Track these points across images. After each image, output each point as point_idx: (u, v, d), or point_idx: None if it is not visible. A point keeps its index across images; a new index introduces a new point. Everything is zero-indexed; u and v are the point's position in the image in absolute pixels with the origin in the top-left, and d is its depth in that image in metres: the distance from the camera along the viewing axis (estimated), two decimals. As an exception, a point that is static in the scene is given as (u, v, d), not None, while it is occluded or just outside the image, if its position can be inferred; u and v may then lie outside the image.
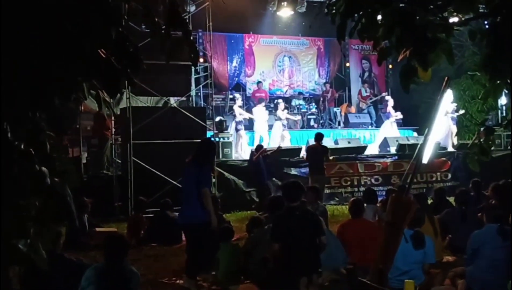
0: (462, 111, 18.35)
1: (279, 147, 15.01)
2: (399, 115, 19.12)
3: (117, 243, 5.14)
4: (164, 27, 3.07)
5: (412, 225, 6.18)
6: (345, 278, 6.01)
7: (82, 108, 13.23)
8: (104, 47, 2.65)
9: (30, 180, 2.58)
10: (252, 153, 13.88)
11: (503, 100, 17.46)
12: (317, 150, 13.03)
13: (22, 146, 2.62)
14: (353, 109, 21.00)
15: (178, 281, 7.41)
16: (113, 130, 14.31)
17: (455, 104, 17.83)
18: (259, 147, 13.79)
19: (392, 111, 19.08)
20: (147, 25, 3.09)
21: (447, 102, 17.20)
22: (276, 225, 6.39)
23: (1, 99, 2.45)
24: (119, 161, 14.05)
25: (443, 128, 17.30)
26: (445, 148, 17.01)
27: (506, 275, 6.16)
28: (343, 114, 20.32)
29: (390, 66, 22.30)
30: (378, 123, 20.08)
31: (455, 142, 17.22)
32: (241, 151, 16.27)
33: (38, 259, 2.52)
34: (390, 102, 19.25)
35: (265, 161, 13.39)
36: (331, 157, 13.30)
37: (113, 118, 14.10)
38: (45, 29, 2.50)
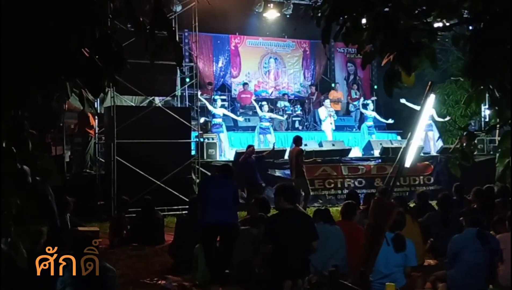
0: (447, 118, 18.42)
1: (274, 146, 15.01)
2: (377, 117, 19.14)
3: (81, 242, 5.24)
4: (148, 27, 3.07)
5: (393, 228, 6.20)
6: (327, 280, 6.01)
7: (66, 106, 13.13)
8: (88, 46, 2.64)
9: (11, 178, 2.56)
10: (240, 154, 13.79)
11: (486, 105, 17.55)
12: (293, 154, 13.04)
13: (4, 144, 2.59)
14: (340, 93, 21.02)
15: (160, 282, 7.39)
16: (97, 129, 14.24)
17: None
18: (249, 147, 13.72)
19: (368, 114, 19.10)
20: (131, 24, 3.08)
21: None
22: (270, 227, 6.38)
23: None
24: (103, 160, 13.98)
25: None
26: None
27: (486, 279, 6.23)
28: (331, 98, 20.35)
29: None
30: (360, 126, 20.15)
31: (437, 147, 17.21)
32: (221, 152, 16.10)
33: (18, 258, 2.51)
34: (370, 106, 19.26)
35: (260, 162, 13.34)
36: (309, 160, 13.13)
37: (96, 117, 14.01)
38: (28, 27, 2.49)
